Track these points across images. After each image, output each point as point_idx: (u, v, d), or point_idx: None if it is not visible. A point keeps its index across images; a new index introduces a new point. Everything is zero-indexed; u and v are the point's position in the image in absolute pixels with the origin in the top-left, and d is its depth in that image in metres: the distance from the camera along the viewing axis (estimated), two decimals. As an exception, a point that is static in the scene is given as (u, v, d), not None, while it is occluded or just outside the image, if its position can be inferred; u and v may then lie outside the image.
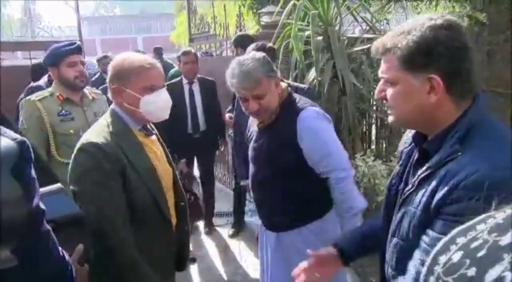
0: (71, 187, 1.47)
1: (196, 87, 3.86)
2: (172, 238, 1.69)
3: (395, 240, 1.05)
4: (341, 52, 3.47)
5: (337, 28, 3.82)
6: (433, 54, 0.94)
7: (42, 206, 0.91)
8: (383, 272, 1.14)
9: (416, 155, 1.08)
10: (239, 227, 4.02)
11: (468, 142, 0.92)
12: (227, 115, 3.73)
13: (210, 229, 4.07)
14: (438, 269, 0.40)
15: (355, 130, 3.65)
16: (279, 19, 3.71)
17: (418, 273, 0.93)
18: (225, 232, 4.05)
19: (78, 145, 1.51)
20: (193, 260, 3.11)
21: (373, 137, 4.19)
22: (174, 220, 1.71)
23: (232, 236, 3.96)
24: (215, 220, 4.21)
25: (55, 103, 2.36)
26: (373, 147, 4.09)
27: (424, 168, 0.97)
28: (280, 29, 3.69)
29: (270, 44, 3.02)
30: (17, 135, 0.86)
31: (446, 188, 0.88)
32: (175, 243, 1.73)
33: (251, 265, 3.40)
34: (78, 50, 2.43)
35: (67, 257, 1.02)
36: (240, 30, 5.00)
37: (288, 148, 1.80)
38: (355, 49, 3.74)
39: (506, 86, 2.82)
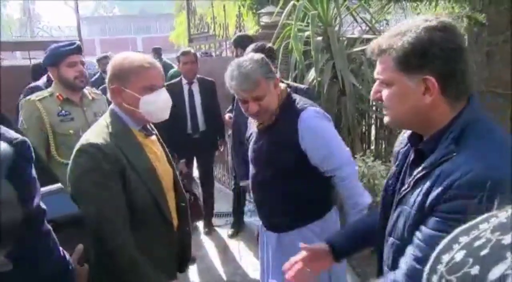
0: (70, 188, 1.46)
1: (195, 88, 3.85)
2: (173, 239, 1.68)
3: (391, 239, 1.06)
4: (340, 52, 3.47)
5: (336, 28, 3.82)
6: (428, 56, 0.94)
7: (43, 205, 0.91)
8: (381, 271, 1.15)
9: (412, 155, 1.08)
10: (238, 227, 4.02)
11: (463, 142, 0.93)
12: (227, 116, 3.72)
13: (210, 229, 4.07)
14: (441, 268, 0.41)
15: (354, 131, 3.65)
16: (279, 19, 3.71)
17: (409, 269, 0.93)
18: (224, 232, 4.05)
19: (77, 146, 1.49)
20: (193, 260, 3.11)
21: (373, 138, 4.19)
22: (175, 221, 1.70)
23: (231, 236, 3.96)
24: (215, 220, 4.21)
25: (55, 104, 2.36)
26: (372, 147, 4.09)
27: (420, 168, 0.98)
28: (280, 29, 3.69)
29: (269, 45, 3.01)
30: (18, 135, 0.87)
31: (440, 188, 0.89)
32: (176, 244, 1.72)
33: (250, 265, 3.40)
34: (78, 50, 2.42)
35: (67, 257, 1.03)
36: (240, 31, 5.00)
37: (288, 148, 1.81)
38: (355, 49, 3.74)
39: (505, 87, 2.82)
